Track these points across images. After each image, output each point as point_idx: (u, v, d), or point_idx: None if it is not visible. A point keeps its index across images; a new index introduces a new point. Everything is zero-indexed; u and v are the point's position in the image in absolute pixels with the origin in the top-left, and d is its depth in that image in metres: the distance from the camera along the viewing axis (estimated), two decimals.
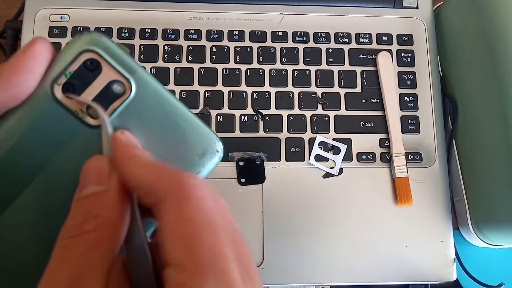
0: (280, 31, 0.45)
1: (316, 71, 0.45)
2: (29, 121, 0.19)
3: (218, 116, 0.43)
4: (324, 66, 0.45)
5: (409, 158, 0.43)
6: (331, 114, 0.44)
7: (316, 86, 0.45)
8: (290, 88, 0.44)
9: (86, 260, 0.16)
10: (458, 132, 0.45)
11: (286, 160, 0.43)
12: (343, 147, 0.43)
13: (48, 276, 0.16)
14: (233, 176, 0.42)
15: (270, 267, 0.40)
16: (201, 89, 0.43)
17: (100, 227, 0.17)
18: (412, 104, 0.45)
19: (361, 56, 0.45)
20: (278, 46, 0.45)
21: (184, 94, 0.43)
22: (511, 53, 0.37)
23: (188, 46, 0.44)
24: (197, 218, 0.16)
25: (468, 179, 0.44)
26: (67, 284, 0.15)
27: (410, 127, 0.44)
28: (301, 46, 0.45)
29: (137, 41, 0.44)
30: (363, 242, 0.41)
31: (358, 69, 0.45)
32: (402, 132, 0.44)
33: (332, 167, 0.43)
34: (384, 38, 0.46)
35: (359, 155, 0.43)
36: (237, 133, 0.43)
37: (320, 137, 0.43)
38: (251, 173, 0.42)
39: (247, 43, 0.45)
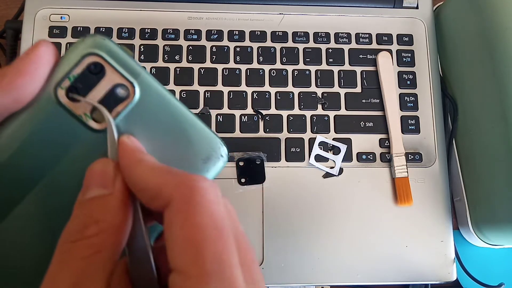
0: (280, 31, 0.45)
1: (316, 71, 0.45)
2: (32, 125, 0.19)
3: (218, 116, 0.43)
4: (324, 66, 0.45)
5: (409, 158, 0.43)
6: (331, 114, 0.44)
7: (316, 86, 0.45)
8: (290, 88, 0.44)
9: (87, 265, 0.16)
10: (458, 132, 0.45)
11: (286, 160, 0.43)
12: (343, 147, 0.43)
13: (49, 280, 0.16)
14: (233, 176, 0.42)
15: (270, 267, 0.40)
16: (201, 89, 0.43)
17: (102, 232, 0.16)
18: (412, 104, 0.45)
19: (361, 56, 0.45)
20: (278, 46, 0.45)
21: (184, 94, 0.43)
22: (511, 53, 0.37)
23: (188, 46, 0.44)
24: (205, 223, 0.16)
25: (468, 179, 0.44)
26: None
27: (410, 127, 0.44)
28: (301, 46, 0.45)
29: (137, 41, 0.44)
30: (363, 242, 0.41)
31: (358, 69, 0.45)
32: (402, 132, 0.44)
33: (332, 167, 0.43)
34: (384, 38, 0.46)
35: (359, 155, 0.43)
36: (237, 133, 0.43)
37: (320, 137, 0.43)
38: (251, 173, 0.42)
39: (247, 43, 0.45)
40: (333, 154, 0.43)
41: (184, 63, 0.44)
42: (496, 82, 0.39)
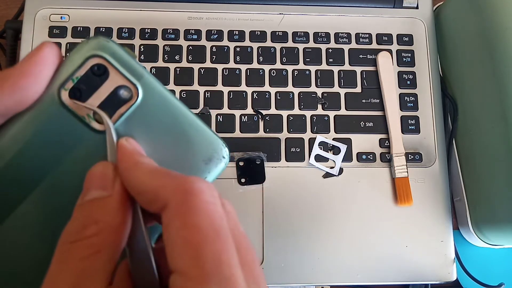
0: (280, 31, 0.45)
1: (316, 71, 0.45)
2: (35, 126, 0.19)
3: (218, 116, 0.43)
4: (324, 66, 0.45)
5: (409, 158, 0.43)
6: (331, 114, 0.44)
7: (316, 86, 0.45)
8: (290, 88, 0.44)
9: (87, 265, 0.16)
10: (458, 132, 0.45)
11: (286, 160, 0.43)
12: (343, 147, 0.43)
13: (49, 281, 0.16)
14: (233, 176, 0.42)
15: (270, 267, 0.40)
16: (201, 89, 0.43)
17: (101, 232, 0.17)
18: (412, 104, 0.45)
19: (361, 56, 0.45)
20: (278, 46, 0.45)
21: (184, 94, 0.43)
22: (511, 53, 0.37)
23: (188, 46, 0.44)
24: (203, 224, 0.16)
25: (468, 179, 0.44)
26: None
27: (410, 127, 0.44)
28: (301, 46, 0.45)
29: (137, 41, 0.44)
30: (363, 242, 0.41)
31: (358, 69, 0.45)
32: (402, 132, 0.44)
33: (332, 167, 0.43)
34: (384, 38, 0.46)
35: (359, 155, 0.43)
36: (237, 133, 0.43)
37: (320, 137, 0.43)
38: (251, 173, 0.42)
39: (247, 43, 0.45)
40: (333, 154, 0.43)
41: (184, 63, 0.44)
42: (496, 82, 0.39)
